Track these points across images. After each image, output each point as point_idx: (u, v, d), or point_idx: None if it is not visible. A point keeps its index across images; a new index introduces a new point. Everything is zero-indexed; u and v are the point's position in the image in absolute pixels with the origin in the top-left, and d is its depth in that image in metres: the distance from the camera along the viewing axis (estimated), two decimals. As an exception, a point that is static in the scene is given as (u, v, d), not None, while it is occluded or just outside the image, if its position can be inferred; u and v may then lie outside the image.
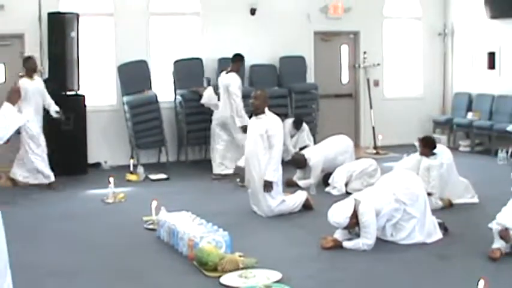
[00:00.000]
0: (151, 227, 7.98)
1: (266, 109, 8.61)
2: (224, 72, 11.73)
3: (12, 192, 10.47)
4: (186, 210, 7.90)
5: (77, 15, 12.32)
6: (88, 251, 7.28)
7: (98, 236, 7.92)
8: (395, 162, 10.45)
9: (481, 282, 4.91)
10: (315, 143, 12.47)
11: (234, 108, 11.38)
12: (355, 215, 6.91)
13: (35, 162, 10.72)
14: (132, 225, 8.27)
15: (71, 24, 12.23)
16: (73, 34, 12.24)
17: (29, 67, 10.59)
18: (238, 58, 11.80)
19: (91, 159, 12.59)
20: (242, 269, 6.17)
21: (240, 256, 6.41)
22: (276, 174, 8.49)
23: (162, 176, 11.49)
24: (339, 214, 6.92)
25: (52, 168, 11.07)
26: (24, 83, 10.28)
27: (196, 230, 6.79)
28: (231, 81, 11.44)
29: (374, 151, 13.98)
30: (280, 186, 8.64)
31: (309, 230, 7.88)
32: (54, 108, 10.90)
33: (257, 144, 8.49)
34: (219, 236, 6.67)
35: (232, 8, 13.67)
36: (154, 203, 8.07)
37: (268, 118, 8.53)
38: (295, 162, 10.46)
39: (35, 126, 10.63)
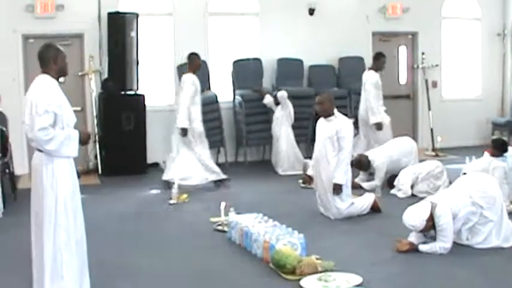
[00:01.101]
0: (220, 228, 7.92)
1: (335, 110, 8.51)
2: (366, 70, 11.85)
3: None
4: (252, 211, 7.85)
5: (137, 15, 12.36)
6: (157, 252, 7.24)
7: (165, 237, 7.89)
8: (458, 164, 10.31)
9: None
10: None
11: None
12: (431, 218, 6.78)
13: (204, 160, 10.64)
14: (200, 226, 8.23)
15: (130, 24, 12.28)
16: (132, 34, 12.29)
17: (196, 64, 10.78)
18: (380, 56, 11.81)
19: (150, 159, 12.59)
20: (320, 272, 6.08)
21: (317, 259, 6.31)
22: (345, 177, 8.38)
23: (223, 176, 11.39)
24: (415, 217, 6.79)
25: (112, 167, 11.13)
26: (194, 79, 10.54)
27: (270, 232, 6.71)
28: (368, 78, 11.52)
29: (433, 153, 13.76)
30: (349, 188, 8.53)
31: (380, 232, 7.75)
32: None
33: (326, 146, 8.39)
34: (294, 238, 6.59)
35: (290, 8, 13.61)
36: (223, 204, 7.99)
37: (339, 120, 8.43)
38: (358, 164, 10.31)
39: (200, 124, 10.67)
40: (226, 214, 7.88)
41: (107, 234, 7.85)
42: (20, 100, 11.70)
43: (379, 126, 11.25)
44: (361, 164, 10.36)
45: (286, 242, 6.50)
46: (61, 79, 5.54)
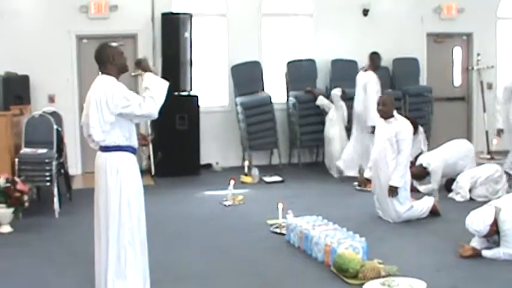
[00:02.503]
0: (278, 230, 7.83)
1: (395, 112, 8.38)
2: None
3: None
4: (308, 214, 7.77)
5: (191, 16, 12.34)
6: (216, 254, 7.20)
7: (221, 239, 7.83)
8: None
9: None
10: (429, 147, 12.13)
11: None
12: (495, 223, 6.63)
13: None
14: (257, 228, 8.15)
15: (184, 25, 12.26)
16: (186, 34, 12.26)
17: (376, 63, 11.18)
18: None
19: (203, 159, 12.57)
20: (383, 276, 5.97)
21: (380, 263, 6.21)
22: (402, 180, 8.24)
23: (277, 178, 11.36)
24: (479, 221, 6.64)
25: (166, 168, 11.17)
26: (376, 78, 10.99)
27: (332, 235, 6.61)
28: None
29: (488, 156, 13.51)
30: (408, 191, 8.39)
31: (441, 236, 7.59)
32: None
33: (385, 148, 8.27)
34: (356, 241, 6.49)
35: (344, 9, 13.48)
36: (280, 206, 7.90)
37: (398, 122, 8.30)
38: (415, 177, 9.94)
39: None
40: (283, 216, 7.79)
41: (162, 235, 7.77)
42: (73, 100, 11.94)
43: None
44: (418, 176, 10.07)
45: (348, 245, 6.40)
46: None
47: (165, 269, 6.51)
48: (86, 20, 12.46)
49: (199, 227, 8.39)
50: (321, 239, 6.61)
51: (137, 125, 11.90)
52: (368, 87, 11.18)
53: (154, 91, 5.42)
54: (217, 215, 9.09)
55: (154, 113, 5.40)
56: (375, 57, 11.50)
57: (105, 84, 5.28)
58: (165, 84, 5.53)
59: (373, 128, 9.65)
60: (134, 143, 5.51)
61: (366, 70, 11.45)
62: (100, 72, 5.45)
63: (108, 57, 5.38)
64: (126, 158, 5.40)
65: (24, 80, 11.94)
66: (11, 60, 11.92)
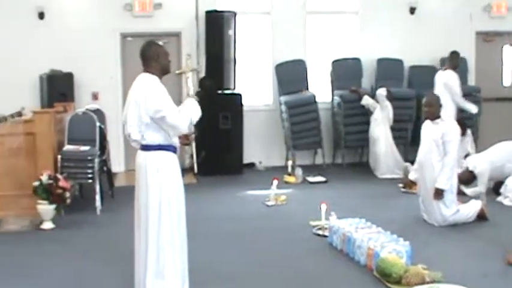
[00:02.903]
0: (320, 232, 7.69)
1: (442, 113, 8.18)
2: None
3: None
4: (351, 215, 7.61)
5: (235, 14, 12.28)
6: (256, 255, 7.09)
7: (263, 240, 7.71)
8: None
9: None
10: (476, 149, 11.88)
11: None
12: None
13: None
14: (299, 229, 8.02)
15: (228, 23, 12.21)
16: (230, 32, 12.22)
17: (456, 61, 11.14)
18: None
19: (246, 158, 12.50)
20: (428, 283, 5.79)
21: (424, 269, 6.03)
22: (448, 183, 8.02)
23: (321, 178, 11.22)
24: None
25: (208, 167, 11.15)
26: (457, 76, 10.92)
27: (375, 239, 6.46)
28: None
29: (538, 159, 13.16)
30: (455, 194, 8.17)
31: (488, 241, 7.36)
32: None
33: (431, 150, 8.07)
34: (400, 245, 6.32)
35: (391, 7, 13.28)
36: (324, 207, 7.76)
37: (445, 123, 8.10)
38: (462, 180, 9.74)
39: None
40: (326, 218, 7.65)
41: (203, 235, 7.70)
42: (117, 98, 11.93)
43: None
44: (465, 181, 9.82)
45: (392, 249, 6.23)
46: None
47: (205, 269, 6.41)
48: (130, 18, 12.52)
49: (241, 227, 8.28)
50: (364, 242, 6.46)
51: None
52: (451, 85, 11.11)
53: (190, 108, 5.38)
54: (259, 215, 8.99)
55: (184, 128, 5.31)
56: (454, 56, 11.43)
57: (145, 84, 5.24)
58: (198, 110, 5.44)
59: None
60: (175, 142, 5.42)
61: (445, 69, 11.37)
62: (143, 70, 5.39)
63: (153, 55, 5.34)
64: (167, 157, 5.34)
65: (69, 77, 12.03)
66: (56, 58, 12.09)
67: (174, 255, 5.32)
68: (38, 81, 12.13)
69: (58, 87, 11.79)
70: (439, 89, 11.01)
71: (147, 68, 5.36)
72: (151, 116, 5.15)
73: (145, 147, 5.31)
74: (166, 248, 5.27)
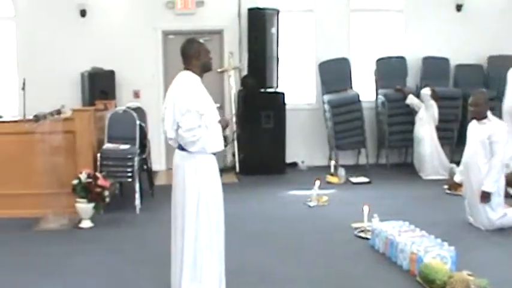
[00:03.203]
0: (362, 235, 7.51)
1: (489, 113, 7.92)
2: None
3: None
4: (394, 218, 7.42)
5: (277, 11, 12.14)
6: (295, 258, 6.92)
7: (303, 242, 7.54)
8: None
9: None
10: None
11: None
12: None
13: None
14: (341, 231, 7.84)
15: (271, 20, 12.05)
16: (273, 30, 12.07)
17: None
18: None
19: (288, 158, 12.33)
20: (473, 290, 5.58)
21: (469, 275, 5.81)
22: (495, 185, 7.75)
23: (364, 179, 11.03)
24: None
25: (250, 166, 11.10)
26: None
27: (418, 243, 6.25)
28: None
29: None
30: (502, 197, 7.90)
31: (537, 248, 7.14)
32: None
33: (478, 151, 7.81)
34: (444, 250, 6.11)
35: (437, 4, 13.01)
36: (366, 209, 7.56)
37: (492, 123, 7.82)
38: (510, 184, 9.45)
39: None
40: (369, 220, 7.46)
41: (242, 236, 7.59)
42: (159, 96, 11.88)
43: None
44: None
45: (436, 254, 6.02)
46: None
47: (243, 271, 6.31)
48: (172, 16, 12.48)
49: (281, 228, 8.12)
50: (407, 246, 6.26)
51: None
52: None
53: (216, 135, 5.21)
54: (300, 216, 8.82)
55: (190, 145, 5.13)
56: None
57: (184, 83, 5.14)
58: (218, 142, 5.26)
59: None
60: None
61: None
62: (184, 68, 5.28)
63: (194, 53, 5.24)
64: (205, 157, 5.21)
65: (110, 75, 12.02)
66: (98, 55, 12.15)
67: (212, 259, 5.21)
68: (79, 79, 12.15)
69: (99, 85, 11.79)
70: (510, 87, 10.62)
71: (188, 65, 5.26)
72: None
73: (183, 147, 5.19)
74: (204, 251, 5.16)
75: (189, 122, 5.01)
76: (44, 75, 12.02)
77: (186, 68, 5.25)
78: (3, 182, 8.95)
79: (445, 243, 6.24)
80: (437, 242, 6.33)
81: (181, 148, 5.20)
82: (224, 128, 5.32)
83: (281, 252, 7.11)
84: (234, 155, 12.24)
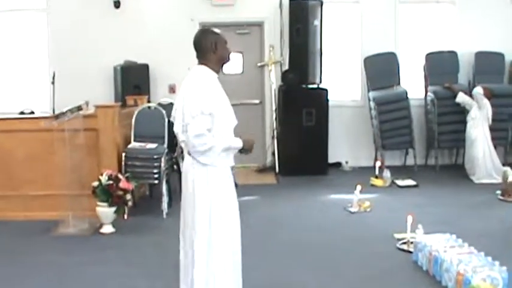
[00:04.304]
0: (405, 247, 6.79)
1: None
2: None
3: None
4: (441, 227, 6.83)
5: (321, 3, 11.51)
6: (331, 271, 6.29)
7: (341, 253, 6.90)
8: None
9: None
10: None
11: None
12: None
13: None
14: (382, 242, 7.14)
15: (314, 12, 11.45)
16: (316, 22, 11.46)
17: None
18: None
19: (331, 158, 11.69)
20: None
21: (524, 300, 5.09)
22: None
23: (411, 182, 10.31)
24: None
25: (290, 166, 10.96)
26: None
27: (466, 261, 5.52)
28: None
29: None
30: None
31: None
32: None
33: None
34: (495, 271, 5.36)
35: (492, -4, 12.18)
36: (409, 219, 6.82)
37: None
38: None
39: None
40: (412, 230, 6.74)
41: (272, 245, 7.05)
42: None
43: None
44: None
45: (485, 276, 5.29)
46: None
47: (275, 285, 5.79)
48: (209, 8, 12.00)
49: (317, 237, 7.48)
50: (453, 265, 5.53)
51: (263, 117, 11.50)
52: None
53: (232, 149, 4.56)
54: (339, 223, 8.16)
55: (199, 155, 4.44)
56: None
57: (197, 82, 4.48)
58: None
59: None
60: None
61: None
62: (198, 62, 4.64)
63: (210, 46, 4.58)
64: (218, 168, 4.53)
65: (144, 69, 11.58)
66: (131, 48, 11.78)
67: (227, 282, 4.56)
68: (112, 73, 11.68)
69: (132, 79, 11.34)
70: None
71: (203, 60, 4.61)
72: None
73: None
74: (217, 274, 4.51)
75: (199, 127, 4.35)
76: (76, 68, 11.68)
77: (201, 63, 4.61)
78: (23, 183, 8.54)
79: (497, 263, 5.49)
80: (487, 260, 5.59)
81: (190, 153, 4.54)
82: (247, 150, 4.63)
83: (314, 265, 6.48)
84: (273, 154, 11.67)
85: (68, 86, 10.98)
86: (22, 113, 10.75)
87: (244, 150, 4.61)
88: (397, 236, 7.17)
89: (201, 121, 4.34)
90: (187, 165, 4.58)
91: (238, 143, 4.53)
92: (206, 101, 4.36)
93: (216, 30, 4.71)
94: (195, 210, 4.50)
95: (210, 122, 4.36)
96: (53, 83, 10.18)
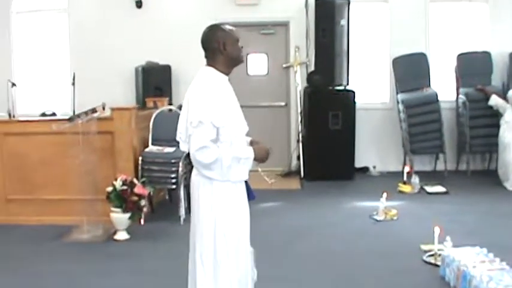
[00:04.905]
0: (432, 261, 6.39)
1: None
2: None
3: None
4: (470, 239, 6.49)
5: (348, 2, 11.17)
6: (352, 284, 5.95)
7: (364, 265, 6.52)
8: None
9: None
10: None
11: None
12: None
13: None
14: (407, 253, 6.74)
15: (341, 11, 11.11)
16: (343, 22, 11.12)
17: None
18: None
19: (358, 162, 11.33)
20: None
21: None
22: None
23: (440, 188, 9.89)
24: None
25: (316, 171, 10.69)
26: None
27: (497, 279, 5.12)
28: None
29: None
30: None
31: None
32: None
33: None
34: (529, 290, 4.98)
35: (527, -8, 11.73)
36: (437, 230, 6.42)
37: None
38: None
39: None
40: (440, 242, 6.34)
41: (291, 257, 6.71)
42: None
43: None
44: None
45: (519, 295, 4.90)
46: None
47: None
48: (233, 7, 11.75)
49: (339, 248, 7.12)
50: (483, 282, 5.13)
51: (288, 120, 11.23)
52: None
53: (243, 160, 4.04)
54: (363, 233, 7.76)
55: (204, 169, 3.95)
56: None
57: (200, 87, 4.00)
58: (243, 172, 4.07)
59: None
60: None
61: None
62: (206, 63, 4.17)
63: (218, 46, 4.08)
64: (226, 183, 4.04)
65: (166, 70, 11.35)
66: (153, 49, 11.61)
67: None
68: (133, 74, 11.42)
69: (154, 81, 11.13)
70: None
71: (211, 61, 4.14)
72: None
73: None
74: None
75: (201, 138, 3.88)
76: (97, 69, 11.55)
77: (209, 64, 4.16)
78: (37, 186, 8.34)
79: (531, 282, 5.10)
80: (520, 278, 5.20)
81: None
82: (260, 161, 4.23)
83: (334, 279, 6.11)
84: (299, 158, 11.34)
85: (89, 87, 10.82)
86: (43, 114, 10.62)
87: (256, 159, 4.20)
88: (424, 247, 6.77)
89: (204, 132, 3.87)
90: (193, 176, 4.19)
91: (249, 153, 4.04)
92: (210, 109, 3.88)
93: (227, 26, 4.21)
94: (202, 228, 4.09)
95: (215, 132, 3.92)
96: (73, 84, 9.98)
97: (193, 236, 4.18)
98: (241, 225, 4.12)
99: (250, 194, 4.21)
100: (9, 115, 10.01)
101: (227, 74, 4.14)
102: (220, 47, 4.08)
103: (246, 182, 4.16)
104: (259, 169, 9.22)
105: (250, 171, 4.06)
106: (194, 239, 4.17)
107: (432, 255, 6.47)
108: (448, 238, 6.21)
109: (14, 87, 10.88)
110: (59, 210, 8.10)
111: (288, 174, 11.50)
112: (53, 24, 12.09)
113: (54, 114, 10.66)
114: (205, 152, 3.86)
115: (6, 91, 10.39)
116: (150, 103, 9.97)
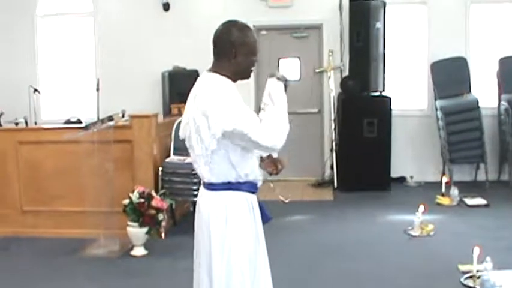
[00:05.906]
0: (471, 284, 5.85)
1: None
2: None
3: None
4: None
5: (384, 3, 10.73)
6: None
7: (395, 285, 6.06)
8: None
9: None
10: None
11: None
12: None
13: None
14: (443, 274, 6.22)
15: (376, 14, 10.68)
16: (378, 25, 10.68)
17: None
18: None
19: (394, 172, 10.81)
20: None
21: None
22: None
23: (481, 201, 9.33)
24: None
25: (350, 181, 10.42)
26: None
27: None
28: None
29: None
30: None
31: None
32: None
33: None
34: None
35: None
36: (476, 250, 5.89)
37: None
38: None
39: None
40: (480, 262, 5.82)
41: (319, 277, 6.22)
42: (249, 99, 11.14)
43: None
44: None
45: None
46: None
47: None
48: (265, 9, 11.34)
49: (369, 267, 6.62)
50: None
51: (321, 127, 10.82)
52: None
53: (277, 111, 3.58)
54: (396, 250, 7.26)
55: (277, 144, 3.47)
56: None
57: (206, 95, 3.54)
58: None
59: None
60: (255, 177, 3.65)
61: None
62: (211, 68, 3.71)
63: (228, 51, 3.61)
64: (240, 202, 3.59)
65: (193, 75, 10.68)
66: (181, 54, 11.28)
67: None
68: (160, 80, 11.07)
69: (180, 87, 10.60)
70: None
71: (214, 66, 3.69)
72: (224, 131, 3.42)
73: (210, 186, 3.62)
74: None
75: (258, 130, 3.43)
76: (123, 75, 11.32)
77: (214, 70, 3.68)
78: (52, 197, 8.02)
79: None
80: None
81: (206, 186, 3.65)
82: (273, 173, 3.79)
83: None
84: (332, 167, 10.88)
85: (115, 93, 10.65)
86: (68, 121, 10.33)
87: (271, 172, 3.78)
88: (461, 268, 6.24)
89: (251, 123, 3.43)
90: (201, 200, 3.69)
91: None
92: (234, 106, 3.45)
93: (246, 27, 3.69)
94: (210, 249, 3.61)
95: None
96: (97, 90, 9.67)
97: (201, 267, 3.74)
98: (260, 248, 3.70)
99: (265, 217, 3.77)
100: (26, 122, 9.70)
101: (234, 81, 3.64)
102: (229, 54, 3.59)
103: (260, 204, 3.72)
104: (272, 184, 8.85)
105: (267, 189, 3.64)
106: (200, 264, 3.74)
107: (471, 276, 5.94)
108: (488, 259, 5.67)
109: (37, 93, 10.63)
110: (75, 222, 7.78)
111: (321, 184, 11.06)
112: (78, 28, 11.87)
113: (79, 121, 10.34)
114: (271, 132, 3.46)
115: (28, 97, 10.10)
116: (175, 110, 9.60)
